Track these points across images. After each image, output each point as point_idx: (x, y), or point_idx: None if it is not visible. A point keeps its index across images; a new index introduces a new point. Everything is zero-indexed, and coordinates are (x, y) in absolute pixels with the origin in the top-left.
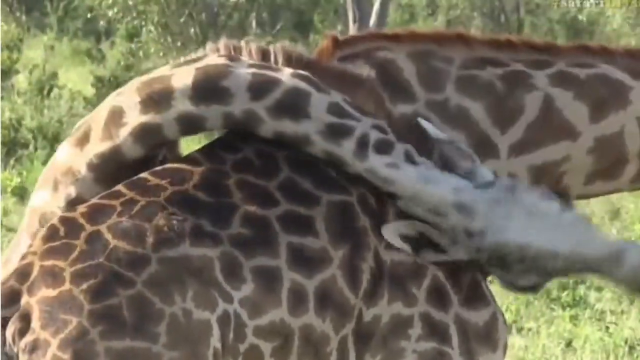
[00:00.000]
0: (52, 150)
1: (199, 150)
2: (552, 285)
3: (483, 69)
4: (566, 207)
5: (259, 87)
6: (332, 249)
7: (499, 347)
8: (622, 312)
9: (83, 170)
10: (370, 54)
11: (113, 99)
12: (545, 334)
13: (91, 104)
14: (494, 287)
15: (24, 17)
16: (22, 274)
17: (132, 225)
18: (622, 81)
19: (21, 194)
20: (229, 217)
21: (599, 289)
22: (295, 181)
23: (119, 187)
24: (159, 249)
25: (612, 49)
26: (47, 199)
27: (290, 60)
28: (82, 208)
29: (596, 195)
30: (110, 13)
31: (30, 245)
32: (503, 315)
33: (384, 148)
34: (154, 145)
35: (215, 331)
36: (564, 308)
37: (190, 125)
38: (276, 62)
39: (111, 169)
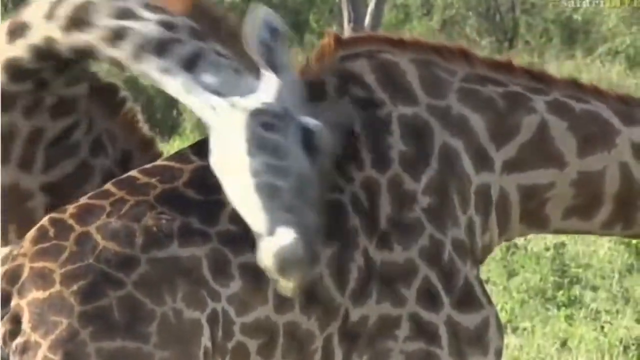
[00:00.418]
0: None
1: (190, 147)
2: (548, 284)
3: (484, 85)
4: None
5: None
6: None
7: (489, 351)
8: (617, 311)
9: None
10: (372, 54)
11: None
12: (540, 334)
13: None
14: (492, 287)
15: None
16: (13, 275)
17: (121, 225)
18: (612, 124)
19: None
20: (217, 214)
21: (595, 289)
22: None
23: (109, 185)
24: (148, 250)
25: (603, 89)
26: None
27: None
28: (71, 209)
29: (570, 232)
30: None
31: (21, 247)
32: (498, 319)
33: (164, 50)
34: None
35: (206, 330)
36: (559, 308)
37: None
38: None
39: None
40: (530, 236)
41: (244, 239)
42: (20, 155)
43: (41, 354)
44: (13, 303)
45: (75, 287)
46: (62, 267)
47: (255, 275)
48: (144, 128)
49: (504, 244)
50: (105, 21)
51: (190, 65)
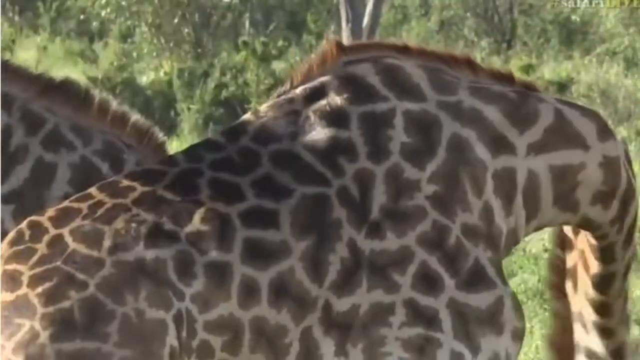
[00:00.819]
0: None
1: (182, 151)
2: (546, 285)
3: (492, 85)
4: None
5: None
6: (295, 240)
7: (503, 331)
8: None
9: None
10: (377, 59)
11: None
12: (539, 335)
13: None
14: None
15: (16, 18)
16: None
17: (92, 228)
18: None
19: None
20: (191, 214)
21: None
22: (272, 176)
23: (92, 189)
24: (114, 252)
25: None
26: None
27: None
28: (51, 211)
29: (591, 221)
30: (103, 13)
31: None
32: (516, 299)
33: None
34: None
35: (172, 330)
36: None
37: None
38: None
39: None
40: (529, 237)
41: (211, 238)
42: None
43: (5, 357)
44: None
45: (40, 290)
46: (31, 270)
47: (218, 274)
48: (140, 121)
49: None
50: None
51: None
